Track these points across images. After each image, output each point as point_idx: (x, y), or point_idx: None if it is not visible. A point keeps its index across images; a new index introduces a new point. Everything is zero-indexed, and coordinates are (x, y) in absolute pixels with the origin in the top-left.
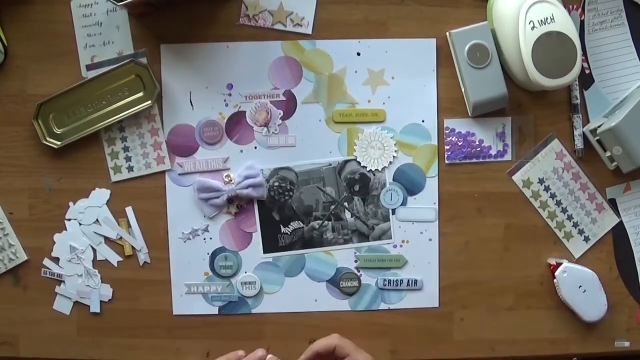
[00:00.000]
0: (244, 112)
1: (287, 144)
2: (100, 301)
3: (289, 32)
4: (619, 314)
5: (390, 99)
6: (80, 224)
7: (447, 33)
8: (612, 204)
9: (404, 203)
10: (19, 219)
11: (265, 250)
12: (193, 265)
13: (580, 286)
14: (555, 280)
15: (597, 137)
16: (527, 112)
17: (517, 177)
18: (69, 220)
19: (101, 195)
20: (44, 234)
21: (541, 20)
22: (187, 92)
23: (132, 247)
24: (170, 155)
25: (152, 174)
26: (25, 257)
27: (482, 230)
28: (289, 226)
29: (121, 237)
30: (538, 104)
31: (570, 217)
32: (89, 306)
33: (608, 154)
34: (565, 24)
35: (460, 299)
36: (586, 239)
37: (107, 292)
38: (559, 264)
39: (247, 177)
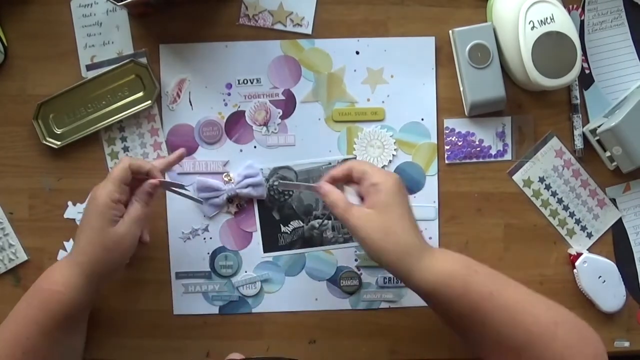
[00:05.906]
0: (244, 111)
1: (286, 143)
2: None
3: (288, 32)
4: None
5: (390, 98)
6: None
7: (450, 31)
8: (612, 204)
9: None
10: (19, 219)
11: (266, 250)
12: (193, 265)
13: (600, 276)
14: (575, 270)
15: (597, 137)
16: (527, 112)
17: (518, 177)
18: (69, 220)
19: None
20: (44, 234)
21: (541, 20)
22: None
23: None
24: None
25: None
26: (25, 257)
27: (482, 230)
28: (289, 225)
29: None
30: (538, 104)
31: (572, 214)
32: None
33: (608, 154)
34: (565, 24)
35: None
36: (589, 235)
37: None
38: (579, 254)
39: (246, 177)
